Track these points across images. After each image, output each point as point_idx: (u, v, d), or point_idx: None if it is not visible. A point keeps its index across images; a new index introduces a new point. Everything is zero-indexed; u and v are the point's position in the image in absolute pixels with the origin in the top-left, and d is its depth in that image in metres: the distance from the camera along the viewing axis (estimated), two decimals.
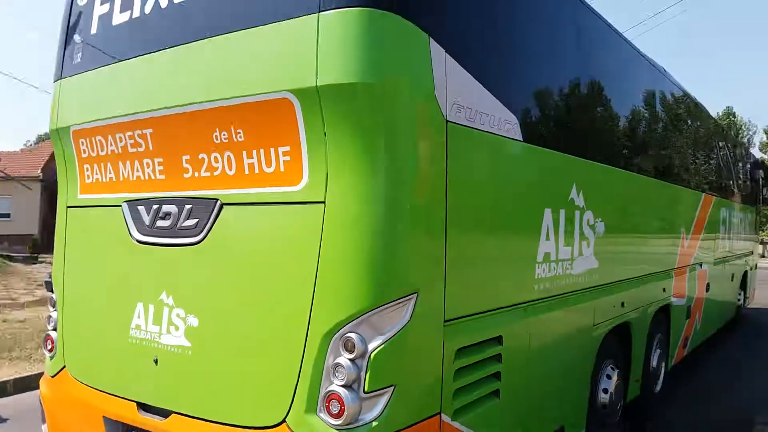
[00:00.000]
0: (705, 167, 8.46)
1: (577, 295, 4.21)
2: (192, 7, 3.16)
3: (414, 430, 2.69)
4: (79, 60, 3.71)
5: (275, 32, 2.72)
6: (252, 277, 2.88)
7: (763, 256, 25.88)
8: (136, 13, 3.36)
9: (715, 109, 48.29)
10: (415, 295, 2.64)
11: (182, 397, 3.07)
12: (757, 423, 5.77)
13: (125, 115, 3.34)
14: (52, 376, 3.76)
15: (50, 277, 3.92)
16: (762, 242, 27.46)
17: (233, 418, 2.85)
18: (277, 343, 2.75)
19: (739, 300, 11.08)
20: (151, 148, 3.27)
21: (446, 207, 2.84)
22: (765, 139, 48.48)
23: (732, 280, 10.26)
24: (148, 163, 3.29)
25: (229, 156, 2.93)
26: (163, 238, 3.19)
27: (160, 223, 3.22)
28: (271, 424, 2.70)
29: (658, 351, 6.14)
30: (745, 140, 48.23)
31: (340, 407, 2.51)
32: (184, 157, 3.12)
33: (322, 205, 2.62)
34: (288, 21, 2.67)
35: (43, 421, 3.86)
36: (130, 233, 3.34)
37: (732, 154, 10.61)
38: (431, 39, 2.73)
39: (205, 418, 2.94)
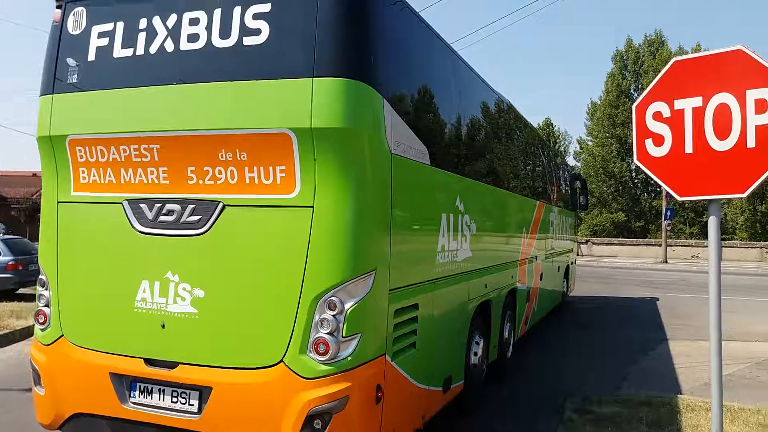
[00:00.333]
0: (540, 179, 10.58)
1: (459, 277, 5.64)
2: (201, 55, 3.91)
3: (371, 364, 3.80)
4: (74, 80, 4.28)
5: (280, 85, 3.70)
6: (253, 259, 3.80)
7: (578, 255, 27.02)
8: (140, 51, 4.07)
9: (536, 119, 53.56)
10: (374, 272, 3.79)
11: (189, 351, 3.89)
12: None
13: (132, 131, 4.03)
14: (47, 345, 4.34)
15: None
16: (577, 242, 28.60)
17: (238, 362, 3.77)
18: (275, 306, 3.72)
19: (563, 289, 13.64)
20: (156, 159, 4.00)
21: (390, 212, 4.03)
22: (578, 148, 53.57)
23: (558, 272, 12.65)
24: (152, 171, 4.03)
25: (232, 170, 3.82)
26: (166, 230, 3.98)
27: (163, 218, 3.99)
28: (270, 363, 3.68)
29: (509, 325, 7.84)
30: (562, 149, 53.90)
31: (326, 348, 3.59)
32: (189, 168, 3.92)
33: (311, 209, 3.66)
34: (290, 79, 3.68)
35: (36, 383, 4.41)
36: (131, 225, 4.07)
37: (557, 167, 13.19)
38: (384, 99, 3.91)
39: (212, 365, 3.82)
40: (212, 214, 3.85)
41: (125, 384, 4.06)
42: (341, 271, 3.65)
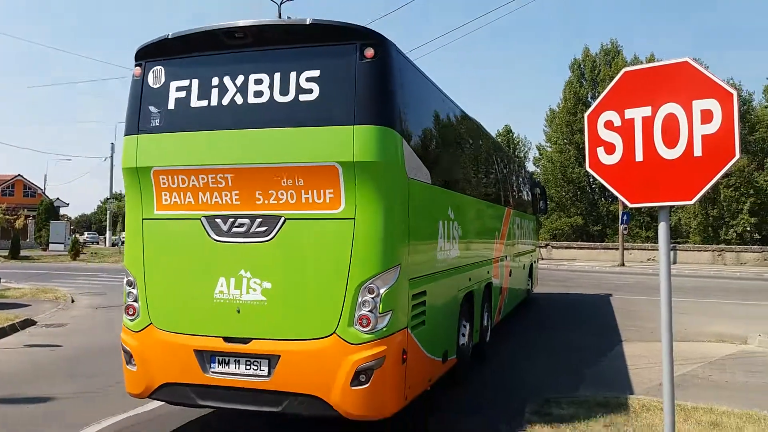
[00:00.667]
0: (509, 189, 12.06)
1: (451, 271, 7.00)
2: (265, 108, 5.07)
3: (399, 334, 5.08)
4: (157, 124, 5.37)
5: (328, 130, 4.94)
6: (310, 257, 5.01)
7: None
8: (214, 103, 5.21)
9: (495, 126, 55.83)
10: (399, 265, 5.07)
11: (260, 329, 5.04)
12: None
13: (210, 164, 5.15)
14: (137, 331, 5.40)
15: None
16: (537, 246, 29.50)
17: (300, 335, 4.95)
18: (328, 292, 4.92)
19: (528, 285, 15.31)
20: (230, 185, 5.14)
21: (408, 221, 5.35)
22: (537, 154, 55.49)
23: (524, 270, 14.30)
24: (226, 194, 5.16)
25: (291, 192, 5.01)
26: (238, 238, 5.13)
27: (235, 229, 5.14)
28: (326, 334, 4.88)
29: (486, 314, 9.21)
30: (522, 155, 55.87)
31: (368, 321, 4.84)
32: (257, 191, 5.08)
33: (353, 220, 4.91)
34: (337, 126, 4.91)
35: (129, 363, 5.47)
36: (209, 235, 5.20)
37: (522, 177, 15.14)
38: (402, 138, 5.21)
39: (279, 338, 4.99)
40: (276, 225, 5.03)
41: (206, 358, 5.15)
42: (376, 265, 4.91)
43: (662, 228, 4.07)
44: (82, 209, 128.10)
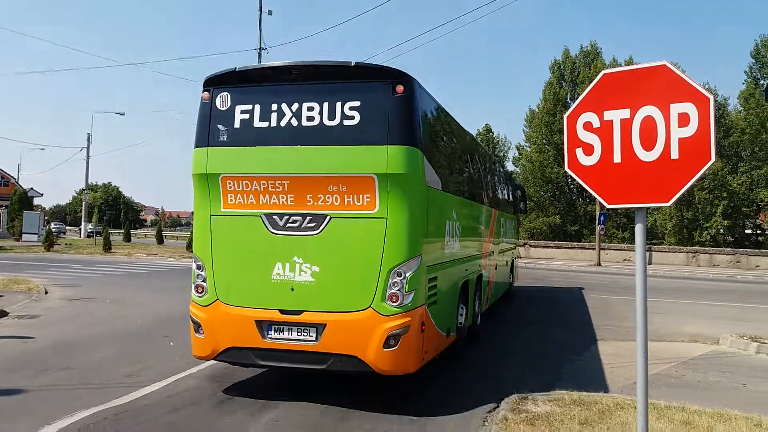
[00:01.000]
0: (497, 192, 13.97)
1: (454, 261, 8.37)
2: (316, 130, 6.35)
3: (419, 309, 6.38)
4: (224, 139, 6.63)
5: (367, 149, 6.25)
6: (350, 248, 6.29)
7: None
8: (273, 124, 6.51)
9: (476, 125, 56.27)
10: (420, 255, 6.39)
11: (310, 303, 6.30)
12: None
13: (270, 173, 6.43)
14: (205, 306, 6.65)
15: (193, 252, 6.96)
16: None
17: (343, 308, 6.24)
18: (365, 275, 6.22)
19: (510, 279, 16.86)
20: (286, 189, 6.42)
21: (426, 221, 6.69)
22: (516, 154, 56.15)
23: (507, 265, 15.92)
24: (282, 197, 6.44)
25: (336, 197, 6.30)
26: (292, 232, 6.43)
27: (290, 225, 6.44)
28: (363, 308, 6.18)
29: (478, 301, 10.60)
30: (502, 155, 56.64)
31: (397, 298, 6.15)
32: (308, 195, 6.35)
33: (385, 219, 6.22)
34: (374, 146, 6.23)
35: (197, 331, 6.70)
36: (267, 229, 6.50)
37: (507, 180, 17.17)
38: (424, 156, 6.55)
39: (326, 310, 6.25)
40: (323, 222, 6.33)
41: (264, 327, 6.42)
42: (403, 254, 6.22)
43: (639, 229, 4.11)
44: (56, 199, 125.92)
